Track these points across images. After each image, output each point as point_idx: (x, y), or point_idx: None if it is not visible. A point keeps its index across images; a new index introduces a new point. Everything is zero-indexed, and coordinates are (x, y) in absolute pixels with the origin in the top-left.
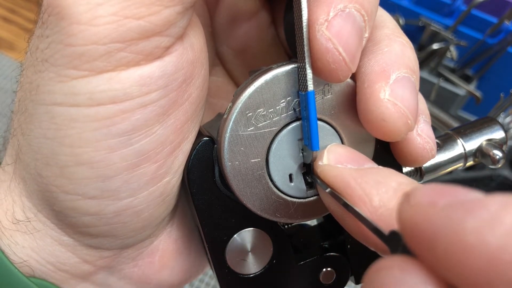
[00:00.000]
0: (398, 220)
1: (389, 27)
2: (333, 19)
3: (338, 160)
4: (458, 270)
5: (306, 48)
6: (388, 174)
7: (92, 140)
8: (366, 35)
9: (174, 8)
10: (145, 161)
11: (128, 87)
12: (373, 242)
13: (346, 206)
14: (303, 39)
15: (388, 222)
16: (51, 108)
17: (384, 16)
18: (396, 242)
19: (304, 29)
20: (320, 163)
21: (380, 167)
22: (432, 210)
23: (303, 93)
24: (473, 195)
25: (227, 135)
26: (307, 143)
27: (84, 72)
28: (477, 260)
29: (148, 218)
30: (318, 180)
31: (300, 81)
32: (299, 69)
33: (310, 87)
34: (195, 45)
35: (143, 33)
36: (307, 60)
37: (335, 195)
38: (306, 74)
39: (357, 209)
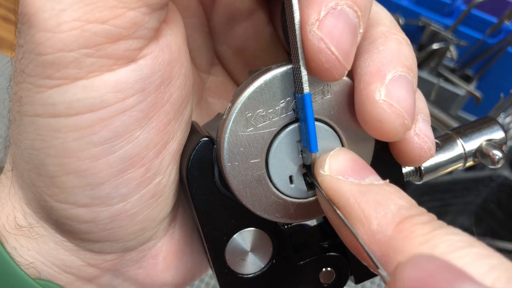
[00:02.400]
0: None
1: (386, 24)
2: (324, 18)
3: (339, 171)
4: None
5: (300, 50)
6: (388, 195)
7: (76, 149)
8: (361, 30)
9: (139, 9)
10: (131, 166)
11: (104, 94)
12: (365, 259)
13: (343, 220)
14: (296, 41)
15: (384, 249)
16: (35, 120)
17: (380, 12)
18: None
19: (297, 31)
20: (321, 171)
21: (382, 183)
22: None
23: (299, 95)
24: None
25: (227, 135)
26: (306, 145)
27: (58, 80)
28: None
29: (144, 220)
30: (317, 183)
31: (296, 83)
32: (294, 71)
33: (306, 89)
34: (172, 45)
35: (110, 37)
36: (301, 62)
37: (331, 204)
38: (301, 76)
39: (355, 233)
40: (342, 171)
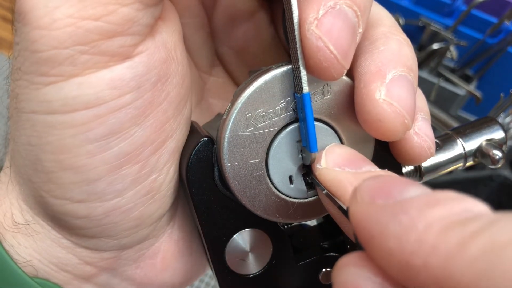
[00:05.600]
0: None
1: (386, 25)
2: (323, 17)
3: (336, 163)
4: (387, 264)
5: (299, 50)
6: None
7: (71, 146)
8: (360, 30)
9: (132, 6)
10: (126, 163)
11: (100, 91)
12: None
13: (342, 210)
14: (295, 40)
15: None
16: (31, 116)
17: (381, 13)
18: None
19: (296, 31)
20: (318, 166)
21: (378, 171)
22: (370, 209)
23: (298, 95)
24: (404, 195)
25: (227, 135)
26: (306, 145)
27: (54, 77)
28: (396, 262)
29: (139, 216)
30: (317, 181)
31: (295, 83)
32: (294, 71)
33: (305, 89)
34: (168, 43)
35: (104, 34)
36: (300, 62)
37: (332, 198)
38: (300, 76)
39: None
40: (339, 162)
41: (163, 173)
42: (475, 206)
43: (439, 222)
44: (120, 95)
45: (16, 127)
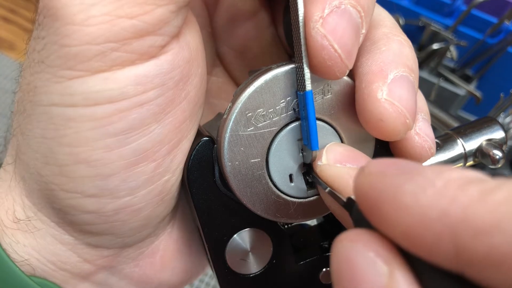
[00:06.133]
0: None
1: (388, 26)
2: (328, 15)
3: (337, 160)
4: (399, 227)
5: (303, 48)
6: None
7: (90, 139)
8: (363, 31)
9: (168, 7)
10: (143, 160)
11: (124, 86)
12: None
13: (344, 205)
14: (300, 38)
15: None
16: (49, 109)
17: (382, 14)
18: (356, 215)
19: (301, 29)
20: (319, 163)
21: None
22: (380, 178)
23: (301, 93)
24: (416, 165)
25: (227, 135)
26: (307, 143)
27: (80, 72)
28: (411, 216)
29: (147, 217)
30: (318, 180)
31: (298, 80)
32: (297, 69)
33: (308, 86)
34: (191, 44)
35: (137, 33)
36: (304, 59)
37: (335, 195)
38: (304, 74)
39: None
40: (340, 159)
41: (176, 175)
42: (486, 176)
43: (457, 180)
44: (144, 91)
45: (29, 121)
